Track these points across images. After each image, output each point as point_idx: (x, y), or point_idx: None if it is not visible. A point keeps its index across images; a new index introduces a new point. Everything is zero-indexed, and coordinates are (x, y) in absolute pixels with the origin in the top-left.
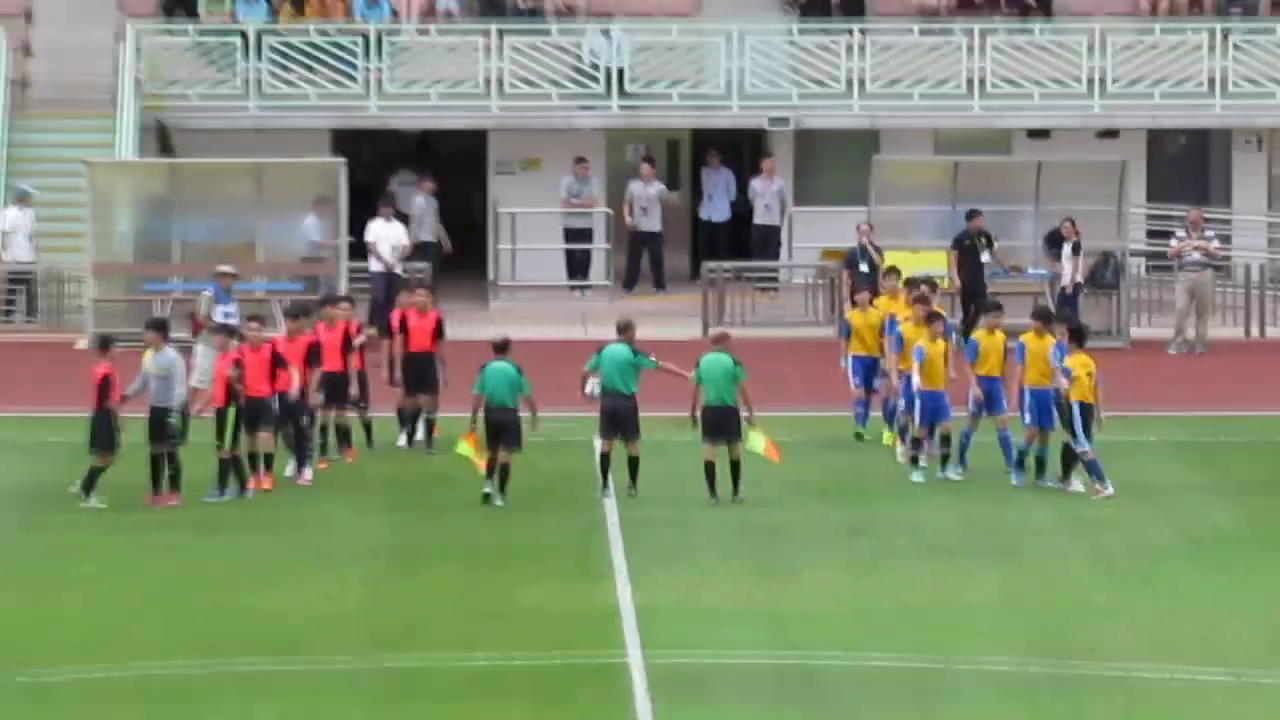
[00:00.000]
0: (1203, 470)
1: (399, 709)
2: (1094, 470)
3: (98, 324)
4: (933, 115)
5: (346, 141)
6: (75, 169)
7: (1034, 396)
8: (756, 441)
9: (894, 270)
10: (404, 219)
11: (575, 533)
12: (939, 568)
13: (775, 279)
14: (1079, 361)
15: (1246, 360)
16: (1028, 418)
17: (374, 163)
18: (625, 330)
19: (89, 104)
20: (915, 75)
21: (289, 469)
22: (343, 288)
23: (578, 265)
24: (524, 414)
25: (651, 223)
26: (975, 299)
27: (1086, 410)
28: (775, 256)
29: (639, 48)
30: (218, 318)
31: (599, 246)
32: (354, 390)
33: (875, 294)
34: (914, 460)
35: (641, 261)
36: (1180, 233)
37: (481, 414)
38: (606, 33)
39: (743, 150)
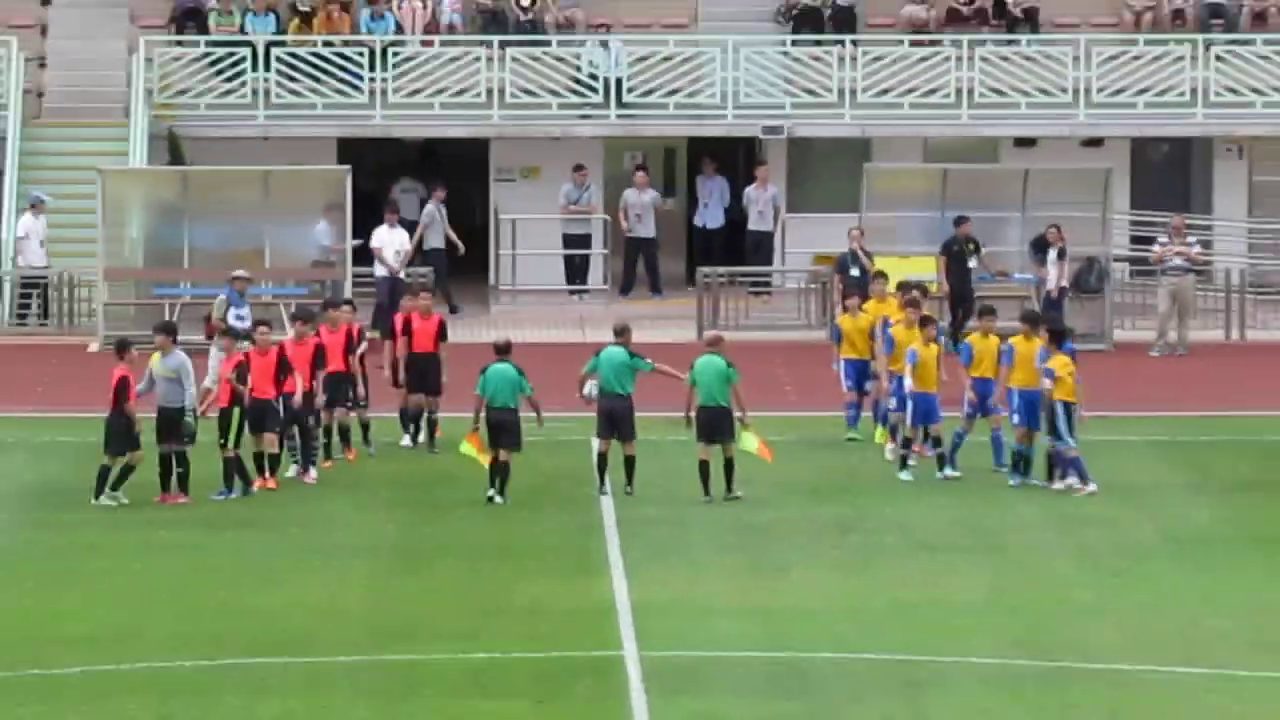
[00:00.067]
0: (1184, 469)
1: (401, 703)
2: (1078, 468)
3: (109, 327)
4: (922, 124)
5: (351, 150)
6: (88, 176)
7: (1022, 397)
8: (749, 441)
9: (882, 274)
10: (407, 225)
11: (573, 530)
12: (927, 565)
13: (768, 283)
14: (1060, 362)
15: (1227, 362)
16: (1016, 418)
17: (378, 171)
18: (622, 333)
19: (101, 113)
20: (905, 86)
21: (291, 470)
22: (348, 291)
23: (576, 270)
24: (526, 414)
25: (646, 229)
26: (963, 303)
27: (1069, 409)
28: (768, 262)
29: (636, 59)
30: (231, 320)
31: (597, 252)
32: (360, 390)
33: (865, 298)
34: (904, 460)
35: (637, 267)
36: (1163, 238)
37: (483, 414)
38: (605, 44)
39: (737, 158)
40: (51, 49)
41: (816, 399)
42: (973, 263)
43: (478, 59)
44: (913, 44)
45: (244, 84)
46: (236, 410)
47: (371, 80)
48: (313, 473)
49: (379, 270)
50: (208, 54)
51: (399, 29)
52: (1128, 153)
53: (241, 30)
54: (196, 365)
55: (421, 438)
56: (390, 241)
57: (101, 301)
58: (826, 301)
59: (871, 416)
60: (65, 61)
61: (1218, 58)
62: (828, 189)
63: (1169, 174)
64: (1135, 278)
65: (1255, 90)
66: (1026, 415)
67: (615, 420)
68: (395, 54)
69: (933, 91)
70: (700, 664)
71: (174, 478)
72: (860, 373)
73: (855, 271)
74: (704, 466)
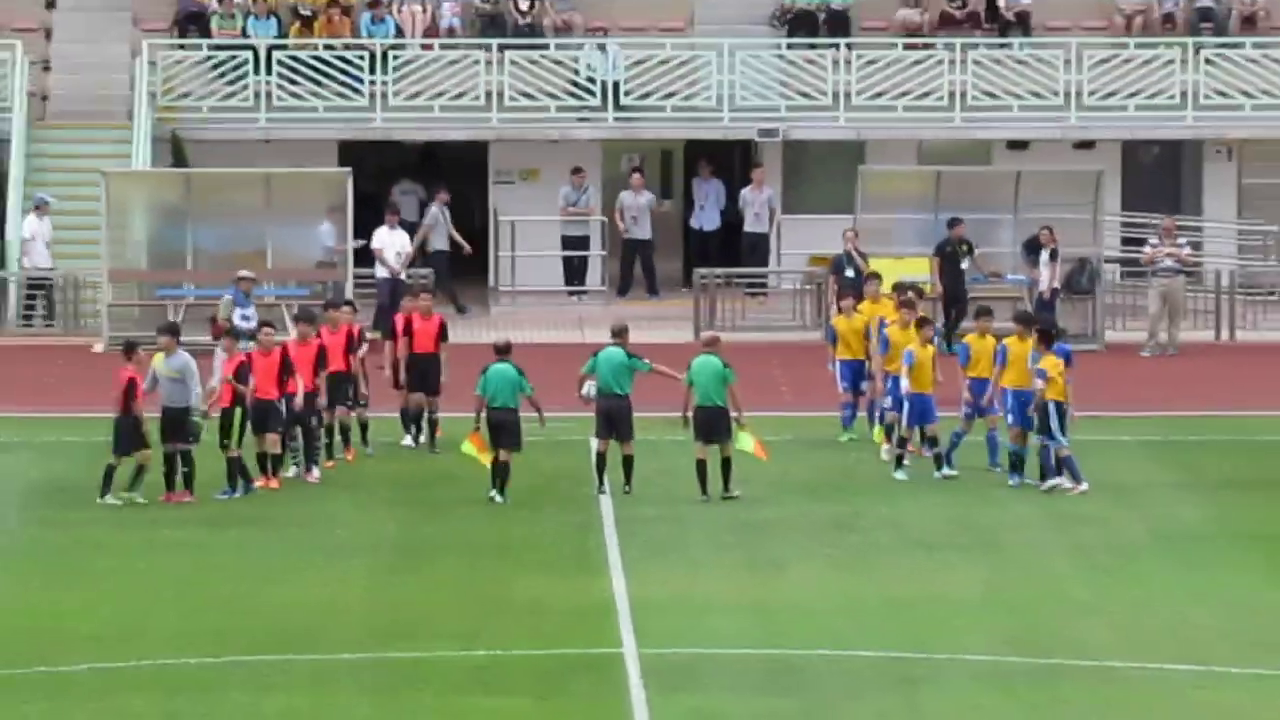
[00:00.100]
0: (1175, 468)
1: (403, 699)
2: (1070, 467)
3: (113, 328)
4: (916, 127)
5: (352, 152)
6: (92, 179)
7: (1015, 398)
8: (745, 441)
9: (875, 275)
10: (406, 227)
11: (572, 529)
12: (922, 563)
13: (764, 284)
14: (1050, 363)
15: (1217, 362)
16: (1010, 418)
17: (378, 173)
18: (620, 334)
19: (105, 116)
20: (899, 89)
21: (291, 470)
22: (349, 292)
23: (575, 271)
24: (526, 414)
25: (642, 231)
26: (956, 304)
27: (1061, 409)
28: (764, 263)
29: (633, 62)
30: (237, 321)
31: (595, 253)
32: (365, 390)
33: (860, 299)
34: (899, 459)
35: (634, 268)
36: (1154, 240)
37: (484, 414)
38: (602, 48)
39: (733, 160)
40: (56, 52)
41: (812, 399)
42: (965, 264)
43: (477, 62)
44: (906, 47)
45: (246, 87)
46: (238, 410)
47: (372, 83)
48: (315, 472)
49: (380, 271)
50: (210, 57)
51: (399, 33)
52: (1119, 155)
53: (243, 34)
54: (202, 365)
55: (423, 439)
56: (391, 243)
57: (105, 302)
58: (822, 302)
59: (866, 416)
60: (69, 65)
61: (1207, 61)
62: (823, 191)
63: (1159, 176)
64: (1126, 279)
65: (1245, 93)
66: (1020, 415)
67: (614, 420)
68: (395, 57)
69: (926, 94)
70: (698, 661)
71: (179, 476)
72: (855, 373)
73: (850, 273)
74: (701, 466)
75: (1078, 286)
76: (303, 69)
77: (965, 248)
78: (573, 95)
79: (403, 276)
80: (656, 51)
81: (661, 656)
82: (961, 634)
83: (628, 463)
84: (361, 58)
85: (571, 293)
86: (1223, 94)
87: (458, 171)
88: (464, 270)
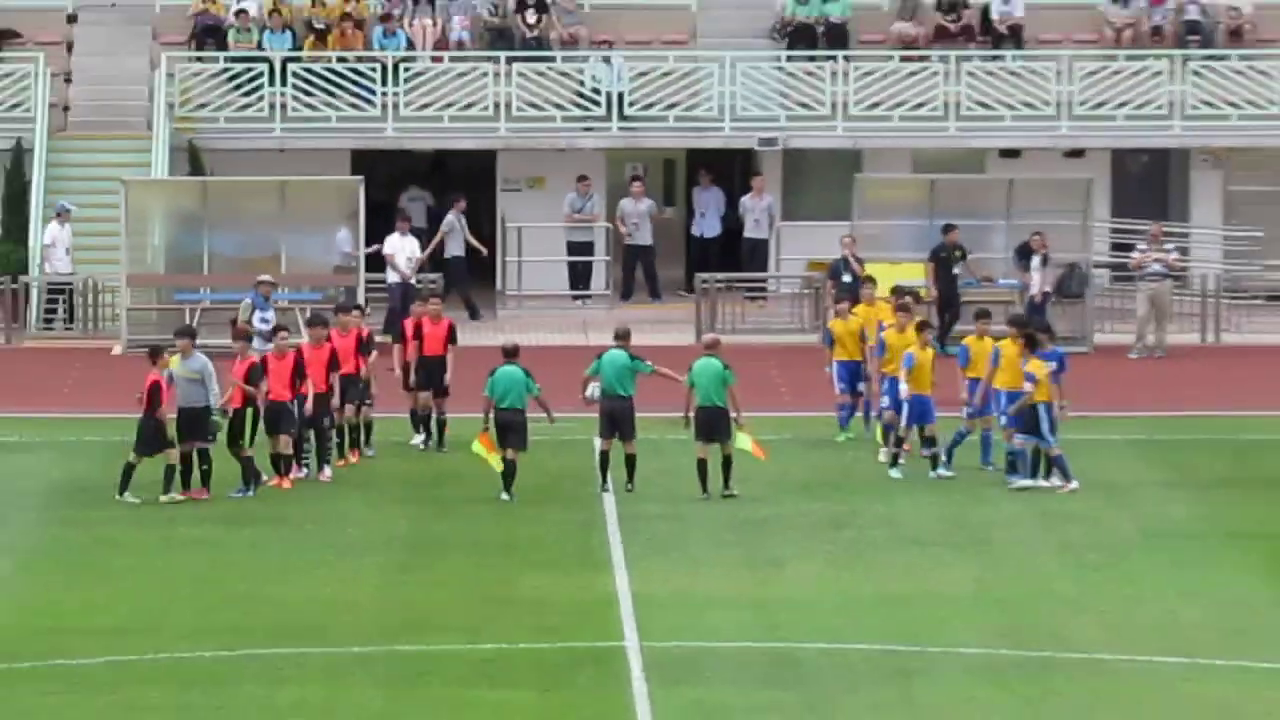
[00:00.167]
0: (1162, 468)
1: (412, 692)
2: (1060, 466)
3: (131, 332)
4: (911, 136)
5: (364, 161)
6: (112, 187)
7: (1009, 399)
8: (744, 441)
9: (871, 280)
10: (417, 233)
11: (576, 526)
12: (917, 559)
13: (764, 289)
14: (1036, 365)
15: (1203, 364)
16: (1003, 419)
17: (390, 181)
18: (623, 337)
19: (125, 126)
20: (895, 99)
21: (302, 473)
22: (360, 297)
23: (580, 276)
24: (533, 414)
25: (643, 237)
26: (950, 308)
27: (1049, 410)
28: (764, 268)
29: (637, 74)
30: (256, 324)
31: (599, 259)
32: (375, 390)
33: (856, 302)
34: (894, 458)
35: (636, 273)
36: (1142, 245)
37: (492, 415)
38: (607, 60)
39: (734, 169)
40: (77, 65)
41: (810, 400)
42: (958, 269)
43: (485, 74)
44: (902, 60)
45: (261, 98)
46: (249, 412)
47: (384, 94)
48: (328, 471)
49: (391, 276)
50: (227, 69)
51: (410, 46)
52: (1108, 163)
53: (259, 47)
54: (221, 367)
55: (432, 441)
56: (402, 248)
57: (124, 307)
58: (819, 306)
59: (863, 417)
60: (90, 77)
61: (1195, 72)
62: (820, 198)
63: (1148, 184)
64: (1115, 283)
65: (1230, 104)
66: (1014, 416)
67: (617, 420)
68: (406, 69)
69: (921, 105)
70: (699, 654)
71: (196, 474)
72: (852, 374)
73: (847, 277)
74: (702, 465)
75: (1068, 290)
76: (317, 80)
77: (959, 253)
78: (578, 106)
79: (413, 281)
80: (660, 64)
81: (663, 650)
82: (955, 628)
83: (630, 462)
84: (374, 70)
85: (576, 297)
86: (1209, 104)
87: (467, 180)
88: (472, 275)
